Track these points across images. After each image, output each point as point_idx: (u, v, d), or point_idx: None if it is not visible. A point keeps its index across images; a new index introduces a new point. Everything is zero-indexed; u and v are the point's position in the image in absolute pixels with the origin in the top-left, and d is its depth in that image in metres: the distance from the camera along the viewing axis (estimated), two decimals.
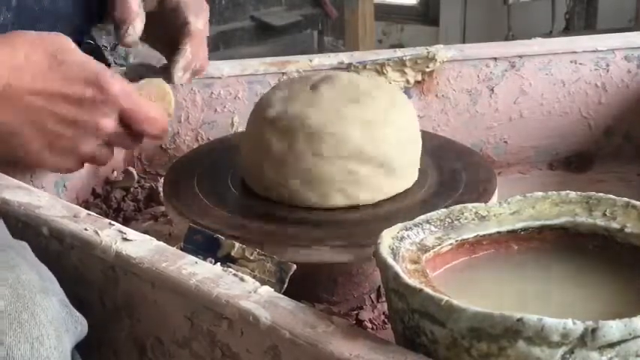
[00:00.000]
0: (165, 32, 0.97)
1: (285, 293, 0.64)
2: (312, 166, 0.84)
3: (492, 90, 1.17)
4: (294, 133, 0.85)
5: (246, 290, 0.62)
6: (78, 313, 0.66)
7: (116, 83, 0.83)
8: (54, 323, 0.62)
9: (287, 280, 0.69)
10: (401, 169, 0.87)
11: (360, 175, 0.84)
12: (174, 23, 0.96)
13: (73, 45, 0.84)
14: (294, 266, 0.69)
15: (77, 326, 0.66)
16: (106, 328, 0.73)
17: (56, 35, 0.83)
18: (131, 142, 0.88)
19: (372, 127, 0.85)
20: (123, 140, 0.87)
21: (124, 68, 1.00)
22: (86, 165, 0.89)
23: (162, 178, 0.99)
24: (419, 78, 1.15)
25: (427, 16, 4.26)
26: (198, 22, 0.96)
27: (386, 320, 0.84)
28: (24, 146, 0.82)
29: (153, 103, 0.89)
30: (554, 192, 0.69)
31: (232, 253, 0.72)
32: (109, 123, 0.84)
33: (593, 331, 0.51)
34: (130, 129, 0.86)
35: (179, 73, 0.95)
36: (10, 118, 0.80)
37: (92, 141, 0.85)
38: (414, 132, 0.90)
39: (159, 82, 0.92)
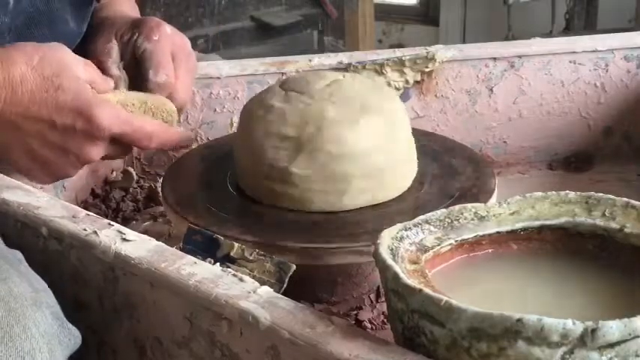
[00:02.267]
0: (136, 82, 0.96)
1: (284, 293, 0.64)
2: (301, 169, 0.84)
3: (492, 90, 1.17)
4: (286, 135, 0.85)
5: (245, 290, 0.62)
6: (71, 325, 0.66)
7: (106, 114, 0.83)
8: (46, 336, 0.62)
9: (286, 281, 0.69)
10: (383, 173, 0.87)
11: (345, 179, 0.85)
12: (139, 75, 0.95)
13: (72, 60, 0.84)
14: (294, 266, 0.69)
15: (70, 338, 0.65)
16: (106, 328, 0.73)
17: (56, 51, 0.83)
18: (125, 152, 0.91)
19: (358, 129, 0.85)
20: (115, 154, 0.89)
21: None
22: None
23: (162, 179, 0.99)
24: (418, 78, 1.15)
25: (427, 16, 4.26)
26: (158, 76, 0.93)
27: (385, 320, 0.84)
28: (14, 163, 0.85)
29: (148, 118, 0.89)
30: (553, 192, 0.69)
31: (232, 254, 0.72)
32: (96, 152, 0.85)
33: (593, 331, 0.51)
34: (124, 145, 0.88)
35: None
36: (2, 139, 0.82)
37: (78, 167, 0.87)
38: (394, 138, 0.88)
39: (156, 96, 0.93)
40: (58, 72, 0.82)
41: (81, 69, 0.84)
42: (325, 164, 0.84)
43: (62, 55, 0.84)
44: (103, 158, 0.89)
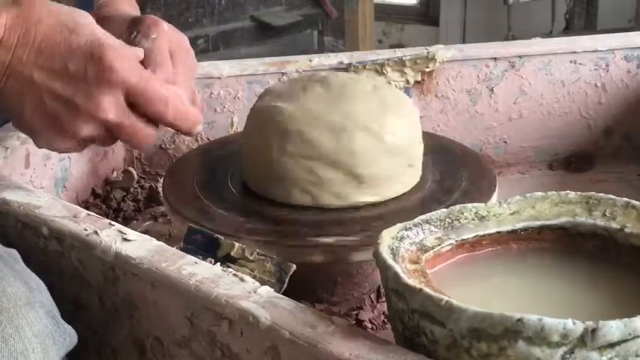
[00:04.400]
0: None
1: (284, 293, 0.64)
2: (301, 167, 0.84)
3: (492, 90, 1.17)
4: (284, 134, 0.85)
5: (245, 290, 0.62)
6: (66, 325, 0.66)
7: (121, 59, 0.74)
8: (40, 336, 0.61)
9: (287, 280, 0.69)
10: (370, 178, 0.86)
11: (326, 179, 0.85)
12: None
13: (90, 20, 0.78)
14: (294, 266, 0.69)
15: (65, 337, 0.65)
16: (106, 328, 0.73)
17: (76, 9, 0.79)
18: (144, 127, 0.77)
19: (382, 127, 0.85)
20: (133, 124, 0.76)
21: None
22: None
23: (162, 178, 0.99)
24: (418, 78, 1.15)
25: (427, 16, 4.26)
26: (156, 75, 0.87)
27: (386, 320, 0.84)
28: (25, 123, 0.76)
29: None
30: (553, 192, 0.69)
31: (232, 253, 0.72)
32: (109, 104, 0.74)
33: (593, 331, 0.51)
34: (141, 110, 0.76)
35: None
36: (15, 96, 0.74)
37: (91, 124, 0.75)
38: (397, 141, 0.87)
39: None
40: (75, 20, 0.76)
41: (99, 28, 0.78)
42: (337, 163, 0.85)
43: (83, 12, 0.79)
44: (116, 125, 0.76)
